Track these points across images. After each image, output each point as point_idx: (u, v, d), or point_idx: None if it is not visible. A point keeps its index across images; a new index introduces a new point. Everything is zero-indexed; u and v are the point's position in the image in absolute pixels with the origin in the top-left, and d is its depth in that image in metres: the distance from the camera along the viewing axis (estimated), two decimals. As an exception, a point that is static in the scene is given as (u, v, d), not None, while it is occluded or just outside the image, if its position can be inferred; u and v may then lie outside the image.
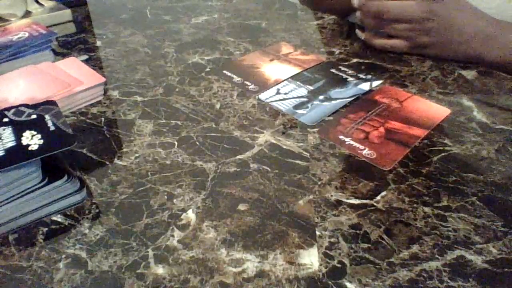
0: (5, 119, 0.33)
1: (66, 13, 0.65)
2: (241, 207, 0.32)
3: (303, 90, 0.47)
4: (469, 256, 0.28)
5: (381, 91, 0.47)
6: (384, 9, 0.53)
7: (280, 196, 0.33)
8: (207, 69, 0.52)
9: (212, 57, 0.55)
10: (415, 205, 0.32)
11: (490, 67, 0.52)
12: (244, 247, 0.28)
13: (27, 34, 0.52)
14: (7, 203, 0.28)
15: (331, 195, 0.33)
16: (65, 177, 0.30)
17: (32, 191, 0.29)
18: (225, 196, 0.33)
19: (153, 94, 0.46)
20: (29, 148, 0.29)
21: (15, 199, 0.29)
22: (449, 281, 0.26)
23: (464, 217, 0.31)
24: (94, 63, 0.53)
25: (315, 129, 0.41)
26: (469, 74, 0.52)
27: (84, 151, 0.37)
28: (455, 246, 0.29)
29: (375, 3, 0.54)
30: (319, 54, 0.56)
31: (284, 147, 0.38)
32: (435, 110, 0.44)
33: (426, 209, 0.32)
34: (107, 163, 0.36)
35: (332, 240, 0.29)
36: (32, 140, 0.30)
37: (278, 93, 0.47)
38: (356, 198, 0.33)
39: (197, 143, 0.38)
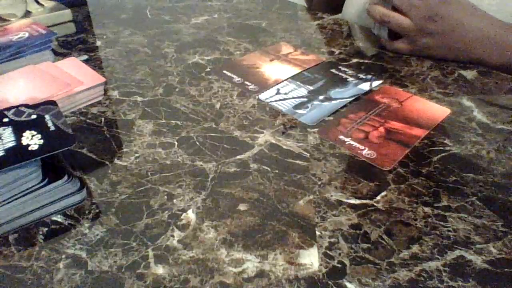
0: (5, 119, 0.33)
1: (66, 13, 0.65)
2: (241, 207, 0.32)
3: (303, 90, 0.47)
4: (469, 256, 0.28)
5: (381, 91, 0.47)
6: None
7: (280, 196, 0.33)
8: (207, 69, 0.52)
9: (212, 57, 0.55)
10: (415, 205, 0.32)
11: (492, 68, 0.52)
12: (244, 247, 0.28)
13: (27, 34, 0.52)
14: (7, 203, 0.28)
15: (331, 195, 0.33)
16: (65, 177, 0.30)
17: (32, 191, 0.29)
18: (225, 196, 0.33)
19: (153, 94, 0.46)
20: (29, 148, 0.29)
21: (15, 199, 0.29)
22: (449, 281, 0.26)
23: (464, 217, 0.31)
24: (94, 63, 0.53)
25: (315, 129, 0.41)
26: (469, 74, 0.52)
27: (84, 151, 0.37)
28: (455, 246, 0.29)
29: None
30: (319, 54, 0.56)
31: (284, 147, 0.38)
32: (435, 110, 0.44)
33: (426, 209, 0.32)
34: (107, 163, 0.36)
35: (332, 240, 0.29)
36: (32, 140, 0.30)
37: (278, 93, 0.47)
38: (356, 198, 0.33)
39: (197, 143, 0.38)
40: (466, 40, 0.52)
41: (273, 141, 0.39)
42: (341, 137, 0.39)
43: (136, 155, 0.37)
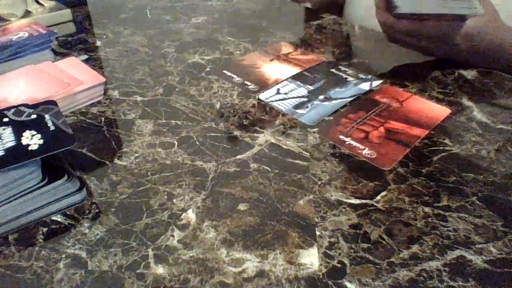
0: (5, 119, 0.33)
1: (66, 13, 0.65)
2: (241, 207, 0.32)
3: (303, 90, 0.47)
4: (469, 256, 0.28)
5: (381, 91, 0.47)
6: None
7: (280, 196, 0.33)
8: (207, 69, 0.52)
9: (212, 57, 0.55)
10: (415, 205, 0.32)
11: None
12: (244, 247, 0.28)
13: (27, 34, 0.52)
14: (7, 203, 0.28)
15: (331, 195, 0.33)
16: (65, 177, 0.30)
17: (32, 191, 0.29)
18: (225, 196, 0.33)
19: (153, 94, 0.46)
20: (29, 148, 0.29)
21: (15, 199, 0.29)
22: (449, 281, 0.26)
23: (464, 217, 0.31)
24: (94, 63, 0.53)
25: (315, 129, 0.40)
26: (469, 74, 0.52)
27: (84, 151, 0.37)
28: (455, 246, 0.29)
29: None
30: (319, 54, 0.56)
31: (284, 147, 0.38)
32: (435, 110, 0.44)
33: (426, 209, 0.32)
34: (107, 163, 0.36)
35: (332, 240, 0.29)
36: (32, 140, 0.30)
37: (278, 93, 0.47)
38: (356, 198, 0.33)
39: (197, 143, 0.38)
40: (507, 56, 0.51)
41: (273, 141, 0.39)
42: (341, 137, 0.39)
43: (136, 155, 0.37)
